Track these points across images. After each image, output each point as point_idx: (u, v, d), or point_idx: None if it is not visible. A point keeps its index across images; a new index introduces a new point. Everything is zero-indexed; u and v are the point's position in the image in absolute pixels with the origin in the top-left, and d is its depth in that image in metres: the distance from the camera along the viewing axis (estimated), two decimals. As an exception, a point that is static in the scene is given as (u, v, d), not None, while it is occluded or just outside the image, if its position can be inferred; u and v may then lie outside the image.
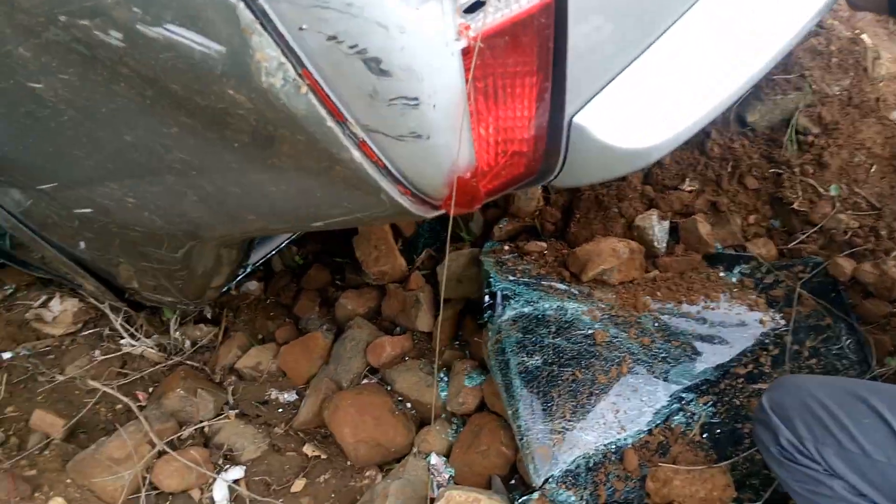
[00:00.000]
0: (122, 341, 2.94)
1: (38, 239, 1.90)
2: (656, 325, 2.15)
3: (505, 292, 2.23)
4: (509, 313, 2.18)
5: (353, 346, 2.60)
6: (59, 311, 3.13)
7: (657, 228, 2.39)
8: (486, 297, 2.26)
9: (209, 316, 3.03)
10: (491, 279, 2.28)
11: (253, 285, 3.09)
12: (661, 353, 2.09)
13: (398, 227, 3.07)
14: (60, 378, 2.77)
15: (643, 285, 2.26)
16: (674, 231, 2.46)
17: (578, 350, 2.08)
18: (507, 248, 2.56)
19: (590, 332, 2.12)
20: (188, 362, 2.86)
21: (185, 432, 2.43)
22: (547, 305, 2.18)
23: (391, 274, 2.79)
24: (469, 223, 2.92)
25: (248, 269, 2.33)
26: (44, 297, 3.18)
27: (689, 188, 2.52)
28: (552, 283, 2.27)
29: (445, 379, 2.45)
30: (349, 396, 2.34)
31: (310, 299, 2.96)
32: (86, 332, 3.05)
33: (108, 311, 3.01)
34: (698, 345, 2.12)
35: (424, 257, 2.92)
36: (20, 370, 2.85)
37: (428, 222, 3.11)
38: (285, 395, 2.61)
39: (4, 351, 2.93)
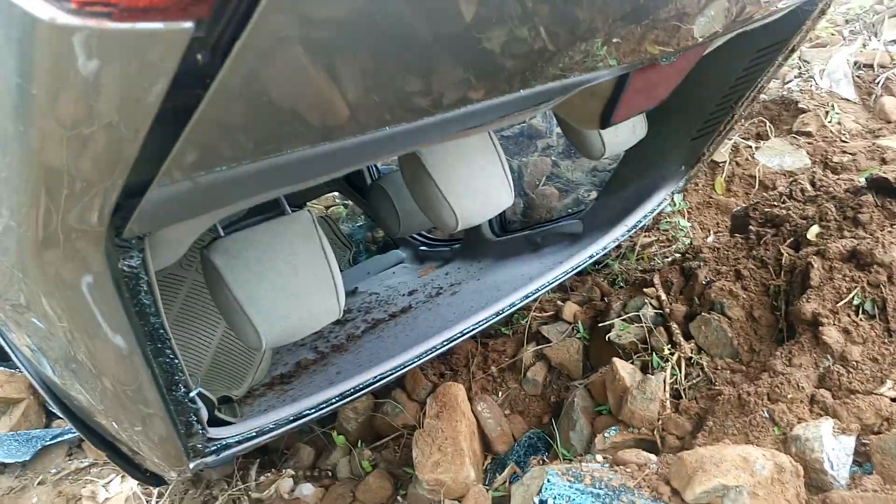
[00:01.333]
0: (146, 534, 2.48)
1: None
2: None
3: (557, 501, 1.44)
4: (559, 536, 1.37)
5: (373, 577, 1.85)
6: (115, 493, 2.81)
7: (830, 445, 1.48)
8: (533, 510, 1.48)
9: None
10: (546, 482, 1.51)
11: (308, 489, 2.51)
12: None
13: (488, 438, 2.39)
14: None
15: (797, 527, 1.32)
16: (863, 458, 1.51)
17: None
18: (599, 458, 1.77)
19: (685, 585, 1.22)
20: (200, 572, 2.27)
21: None
22: (618, 530, 1.34)
23: (451, 488, 2.07)
24: (570, 433, 2.16)
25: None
26: (112, 477, 2.90)
27: (892, 394, 1.60)
28: (635, 500, 1.43)
29: None
30: None
31: (359, 514, 2.29)
32: (126, 520, 2.65)
33: (142, 496, 2.63)
34: None
35: (507, 476, 2.17)
36: (35, 546, 2.48)
37: (527, 436, 2.39)
38: None
39: (35, 523, 2.61)
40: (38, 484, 2.84)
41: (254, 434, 1.84)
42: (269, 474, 2.64)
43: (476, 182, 2.14)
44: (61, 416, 1.92)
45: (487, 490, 2.09)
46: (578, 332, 2.58)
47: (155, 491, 2.71)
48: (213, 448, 1.75)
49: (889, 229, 1.90)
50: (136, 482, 2.80)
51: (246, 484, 2.58)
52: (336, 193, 6.14)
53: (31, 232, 0.86)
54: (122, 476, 2.84)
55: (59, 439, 3.01)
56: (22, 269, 0.96)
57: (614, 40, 1.19)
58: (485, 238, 3.68)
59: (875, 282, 1.82)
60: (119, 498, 2.76)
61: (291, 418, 1.90)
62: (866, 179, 2.13)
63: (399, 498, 2.33)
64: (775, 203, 2.37)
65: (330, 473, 2.61)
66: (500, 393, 2.60)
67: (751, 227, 2.35)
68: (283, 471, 2.63)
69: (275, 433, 1.90)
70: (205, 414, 1.96)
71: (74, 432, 3.03)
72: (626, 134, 2.39)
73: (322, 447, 2.79)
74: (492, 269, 3.38)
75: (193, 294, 2.95)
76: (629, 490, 1.47)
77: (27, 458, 2.88)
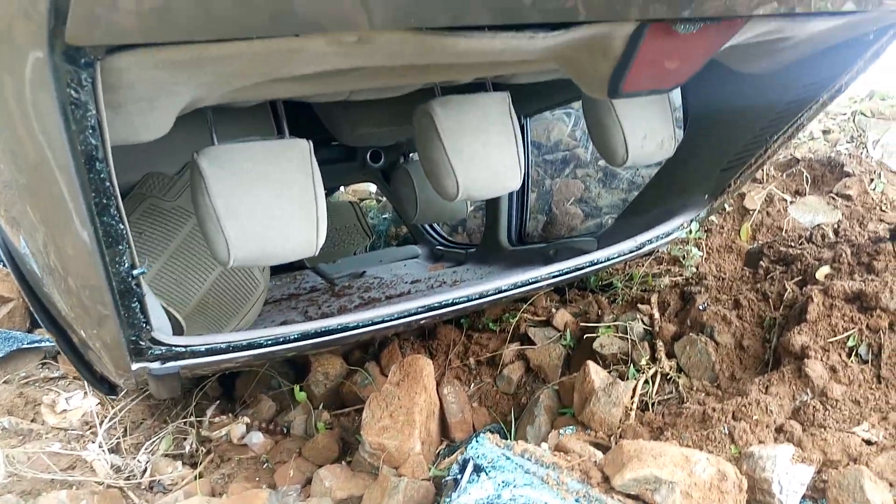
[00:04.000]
0: (88, 445, 2.44)
1: None
2: None
3: (479, 462, 1.35)
4: (472, 495, 1.28)
5: (289, 523, 1.78)
6: (73, 407, 2.79)
7: (784, 469, 1.36)
8: (453, 468, 1.40)
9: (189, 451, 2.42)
10: (475, 441, 1.43)
11: (258, 438, 2.45)
12: None
13: (448, 423, 2.31)
14: (-2, 452, 2.30)
15: (726, 537, 1.21)
16: (819, 494, 1.38)
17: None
18: (544, 446, 1.68)
19: (586, 564, 1.11)
20: (127, 491, 2.22)
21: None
22: (533, 498, 1.25)
23: (393, 456, 1.99)
24: (528, 427, 2.06)
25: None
26: (75, 392, 2.88)
27: (867, 436, 1.47)
28: (562, 477, 1.33)
29: None
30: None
31: (299, 470, 2.21)
32: (76, 431, 2.62)
33: (98, 415, 2.61)
34: None
35: (454, 459, 2.06)
36: (-19, 436, 2.47)
37: (487, 428, 2.29)
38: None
39: (-11, 415, 2.60)
40: (4, 382, 2.85)
41: (202, 349, 1.78)
42: (224, 417, 2.58)
43: (486, 155, 2.09)
44: (37, 316, 1.93)
45: (430, 469, 2.00)
46: (565, 340, 2.48)
47: (111, 411, 2.69)
48: (157, 352, 1.70)
49: (902, 278, 1.78)
50: (97, 402, 2.78)
51: (198, 418, 2.53)
52: (373, 190, 6.18)
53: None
54: (85, 394, 2.82)
55: (37, 345, 3.02)
56: None
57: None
58: (500, 245, 3.62)
59: (875, 326, 1.70)
60: (76, 412, 2.74)
61: (245, 343, 1.85)
62: (891, 230, 2.01)
63: (343, 462, 2.25)
64: (792, 244, 2.26)
65: (285, 430, 2.55)
66: (473, 385, 2.51)
67: (762, 262, 2.23)
68: (240, 417, 2.57)
69: (225, 356, 1.84)
70: (159, 315, 1.91)
71: (52, 342, 3.05)
72: (651, 147, 2.31)
73: (285, 405, 2.73)
74: (499, 275, 3.31)
75: (197, 231, 2.95)
76: (559, 469, 1.37)
77: (0, 356, 2.89)
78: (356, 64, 1.31)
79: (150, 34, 0.96)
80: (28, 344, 2.99)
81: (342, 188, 5.84)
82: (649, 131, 2.27)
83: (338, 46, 1.14)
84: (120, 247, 1.32)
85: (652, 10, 1.21)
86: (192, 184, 1.71)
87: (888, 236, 2.00)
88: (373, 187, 6.04)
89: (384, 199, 5.89)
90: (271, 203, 1.74)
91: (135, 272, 1.41)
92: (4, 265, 3.15)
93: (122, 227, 1.29)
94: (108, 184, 1.19)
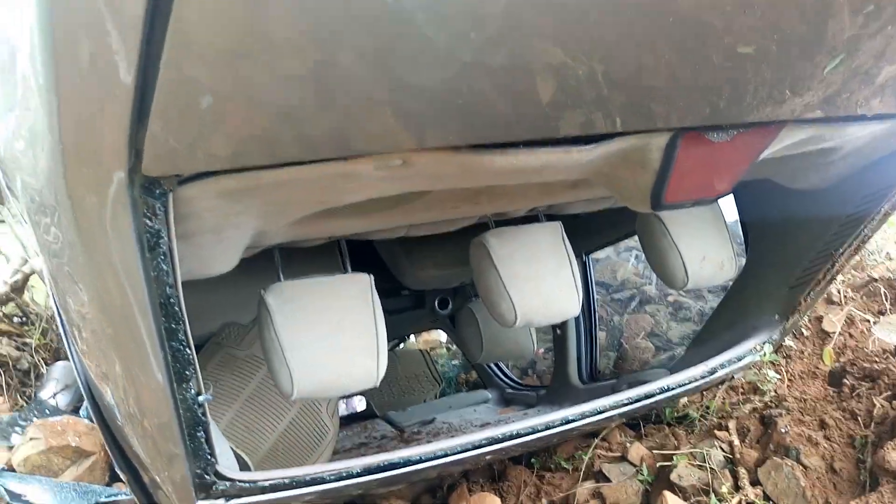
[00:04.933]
0: None
1: None
2: None
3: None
4: None
5: None
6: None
7: None
8: None
9: None
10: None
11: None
12: None
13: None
14: None
15: None
16: None
17: None
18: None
19: None
20: None
21: None
22: None
23: None
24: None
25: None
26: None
27: None
28: None
29: None
30: None
31: None
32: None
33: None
34: None
35: None
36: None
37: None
38: None
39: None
40: (80, 537, 2.86)
41: (266, 485, 1.78)
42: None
43: (541, 281, 2.12)
44: (113, 458, 2.01)
45: None
46: (642, 474, 2.34)
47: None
48: (221, 487, 1.71)
49: None
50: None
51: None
52: (443, 339, 6.24)
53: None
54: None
55: (114, 499, 3.05)
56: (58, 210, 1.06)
57: (647, 95, 1.19)
58: (571, 383, 3.54)
59: (979, 438, 1.55)
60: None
61: (308, 478, 1.84)
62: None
63: None
64: (877, 359, 2.14)
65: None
66: (547, 528, 2.37)
67: (846, 380, 2.11)
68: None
69: (289, 492, 1.83)
70: (226, 453, 1.94)
71: (129, 494, 3.08)
72: (711, 269, 2.28)
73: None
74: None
75: (268, 379, 3.03)
76: None
77: (79, 509, 2.93)
78: (402, 188, 1.40)
79: (221, 162, 1.06)
80: (106, 498, 3.03)
81: (413, 337, 5.91)
82: (707, 253, 2.26)
83: (384, 170, 1.24)
84: (187, 372, 1.38)
85: (677, 120, 1.26)
86: (259, 319, 1.80)
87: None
88: (443, 336, 6.10)
89: (454, 346, 5.92)
90: (333, 335, 1.80)
91: (200, 398, 1.46)
92: (90, 420, 3.29)
93: (189, 351, 1.36)
94: (177, 308, 1.28)
